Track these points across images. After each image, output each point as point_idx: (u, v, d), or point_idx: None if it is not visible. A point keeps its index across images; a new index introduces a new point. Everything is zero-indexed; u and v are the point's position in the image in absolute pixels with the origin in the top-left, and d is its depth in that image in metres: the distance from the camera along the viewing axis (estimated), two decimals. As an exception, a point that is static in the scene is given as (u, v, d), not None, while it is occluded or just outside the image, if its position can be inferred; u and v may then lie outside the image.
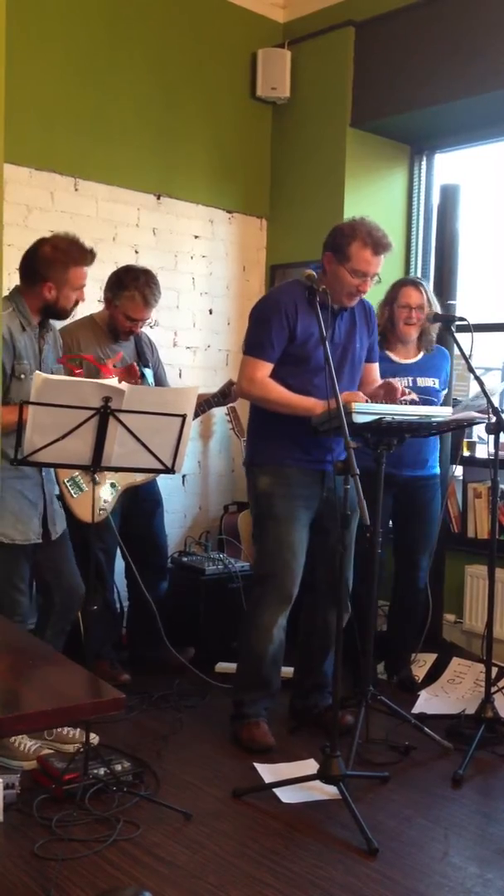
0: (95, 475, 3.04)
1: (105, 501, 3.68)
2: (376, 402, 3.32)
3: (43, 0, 4.17)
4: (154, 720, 3.65)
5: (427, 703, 3.90)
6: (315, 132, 4.93)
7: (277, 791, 3.05)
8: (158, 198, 4.70)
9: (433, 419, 3.33)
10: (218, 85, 4.88)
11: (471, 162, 4.91)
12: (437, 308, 3.95)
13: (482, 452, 4.46)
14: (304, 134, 4.98)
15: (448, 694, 3.99)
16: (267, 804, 2.99)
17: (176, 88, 4.70)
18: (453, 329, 3.69)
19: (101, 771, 2.98)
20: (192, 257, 4.87)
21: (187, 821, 2.86)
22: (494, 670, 3.63)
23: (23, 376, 3.11)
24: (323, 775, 2.92)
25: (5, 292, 3.10)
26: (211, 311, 4.99)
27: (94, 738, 3.19)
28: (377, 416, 3.13)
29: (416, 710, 3.78)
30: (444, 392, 4.11)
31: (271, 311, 3.34)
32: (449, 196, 4.38)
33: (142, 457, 3.00)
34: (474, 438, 4.48)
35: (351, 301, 3.36)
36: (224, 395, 4.26)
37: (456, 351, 3.83)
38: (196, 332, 4.93)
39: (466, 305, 4.52)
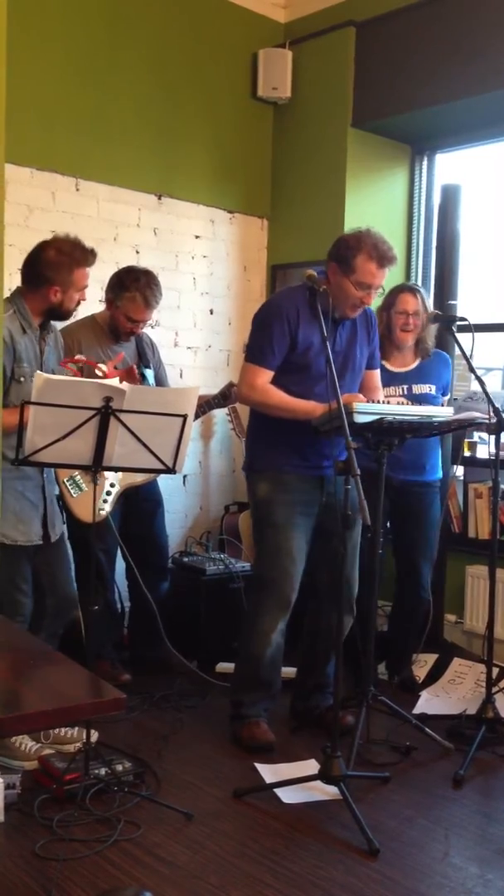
0: (96, 475, 3.04)
1: (105, 501, 3.68)
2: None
3: (43, 0, 4.17)
4: (155, 720, 3.65)
5: (428, 703, 3.90)
6: (316, 132, 4.93)
7: (278, 791, 3.05)
8: (159, 198, 4.70)
9: (434, 419, 3.32)
10: (219, 85, 4.88)
11: (472, 162, 4.91)
12: (434, 311, 3.94)
13: (483, 453, 4.46)
14: (305, 134, 4.98)
15: (449, 694, 3.99)
16: (268, 804, 2.99)
17: (177, 88, 4.70)
18: (454, 329, 3.69)
19: (102, 771, 2.98)
20: (192, 257, 4.87)
21: (188, 821, 2.86)
22: (495, 670, 3.64)
23: (22, 379, 3.11)
24: (324, 775, 2.92)
25: (6, 293, 3.10)
26: (212, 312, 4.99)
27: (95, 738, 3.19)
28: (378, 416, 3.13)
29: (417, 710, 3.78)
30: (446, 398, 4.09)
31: (273, 317, 3.33)
32: (450, 196, 4.38)
33: (143, 457, 3.00)
34: (475, 439, 4.48)
35: (354, 312, 3.36)
36: (225, 397, 4.26)
37: (457, 351, 3.82)
38: (197, 332, 4.93)
39: (467, 305, 4.52)
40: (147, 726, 3.59)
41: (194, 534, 4.86)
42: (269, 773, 3.20)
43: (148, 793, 3.00)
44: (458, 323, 3.66)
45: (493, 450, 3.47)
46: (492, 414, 3.39)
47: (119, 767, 3.03)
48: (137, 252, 4.61)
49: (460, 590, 4.44)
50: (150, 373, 3.99)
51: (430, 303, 3.98)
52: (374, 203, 4.86)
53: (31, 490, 3.22)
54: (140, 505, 4.05)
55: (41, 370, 3.16)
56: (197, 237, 4.89)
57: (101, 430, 2.90)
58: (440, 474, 4.11)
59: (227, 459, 5.10)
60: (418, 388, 3.97)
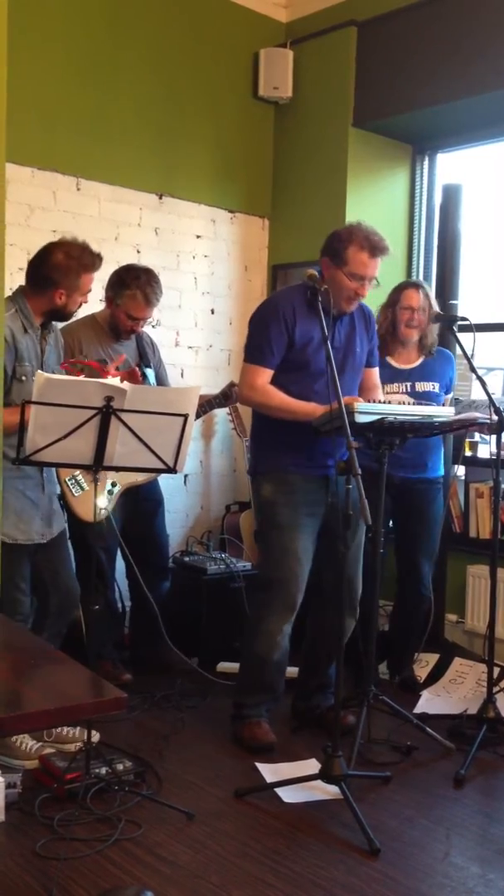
0: (97, 475, 3.04)
1: (106, 501, 3.68)
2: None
3: (44, 0, 4.17)
4: (156, 720, 3.65)
5: (429, 703, 3.90)
6: (317, 132, 4.93)
7: (279, 791, 3.05)
8: (160, 197, 4.70)
9: (435, 419, 3.32)
10: (220, 85, 4.88)
11: (473, 162, 4.91)
12: (437, 310, 3.94)
13: (484, 452, 4.46)
14: (307, 134, 4.98)
15: (450, 694, 3.99)
16: (269, 804, 2.99)
17: (178, 88, 4.70)
18: (455, 329, 3.69)
19: (103, 770, 2.98)
20: (194, 257, 4.87)
21: (189, 820, 2.86)
22: (496, 670, 3.63)
23: (24, 378, 3.12)
24: (325, 775, 2.92)
25: (7, 292, 3.10)
26: (213, 311, 4.99)
27: (96, 738, 3.19)
28: (379, 416, 3.12)
29: (418, 710, 3.78)
30: (449, 396, 4.09)
31: (269, 317, 3.33)
32: (451, 196, 4.38)
33: (143, 456, 3.00)
34: (476, 438, 4.48)
35: (350, 306, 3.36)
36: (226, 397, 4.26)
37: (458, 351, 3.82)
38: (198, 331, 4.93)
39: (468, 305, 4.52)
40: (148, 726, 3.59)
41: (195, 533, 4.86)
42: (270, 772, 3.20)
43: (149, 792, 3.00)
44: (459, 323, 3.66)
45: (494, 449, 3.47)
46: (492, 414, 3.39)
47: (120, 767, 3.03)
48: (138, 252, 4.61)
49: (461, 589, 4.44)
50: (150, 372, 3.99)
51: (434, 299, 3.97)
52: (375, 203, 4.86)
53: (32, 489, 3.22)
54: (140, 504, 4.05)
55: (42, 369, 3.16)
56: (198, 237, 4.89)
57: (102, 430, 2.90)
58: (442, 471, 4.10)
59: (228, 459, 5.10)
60: (421, 386, 3.97)
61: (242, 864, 2.64)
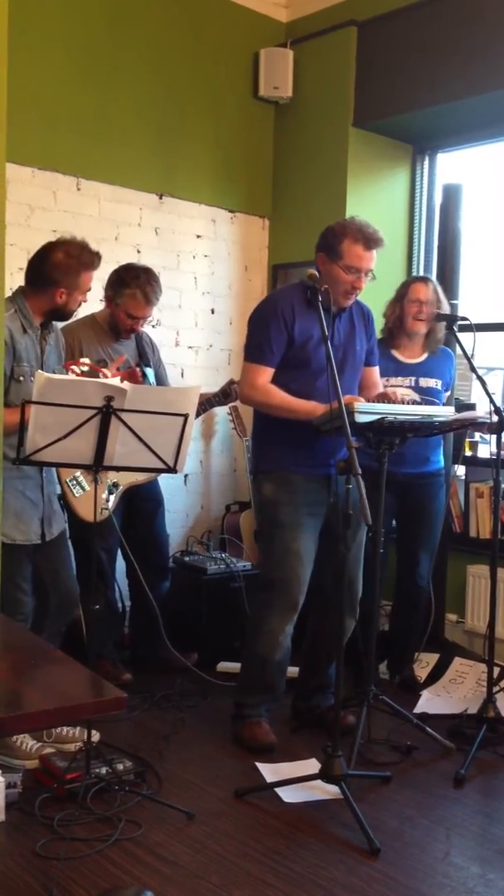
0: (97, 474, 3.04)
1: (107, 501, 3.68)
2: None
3: (45, 0, 4.17)
4: (156, 720, 3.65)
5: (429, 702, 3.90)
6: (317, 132, 4.93)
7: (279, 791, 3.05)
8: (161, 197, 4.70)
9: (435, 419, 3.32)
10: (220, 84, 4.88)
11: (473, 161, 4.91)
12: (447, 306, 3.96)
13: (484, 452, 4.46)
14: (307, 133, 4.98)
15: (450, 694, 3.99)
16: (269, 804, 2.99)
17: (178, 88, 4.70)
18: (455, 329, 3.69)
19: (103, 770, 2.98)
20: (194, 257, 4.87)
21: (189, 820, 2.86)
22: (496, 670, 3.64)
23: (21, 378, 3.11)
24: (325, 775, 2.92)
25: (8, 291, 3.10)
26: (213, 311, 4.99)
27: (96, 737, 3.19)
28: (379, 416, 3.12)
29: (418, 709, 3.78)
30: (448, 393, 4.11)
31: (269, 315, 3.33)
32: (451, 195, 4.38)
33: (144, 456, 3.00)
34: (476, 438, 4.48)
35: (347, 300, 3.36)
36: (225, 395, 4.26)
37: (458, 350, 3.83)
38: (198, 331, 4.93)
39: (469, 305, 4.52)
40: (148, 726, 3.59)
41: (195, 533, 4.86)
42: (270, 772, 3.20)
43: (149, 792, 3.00)
44: (460, 322, 3.66)
45: (494, 449, 3.47)
46: (492, 413, 3.40)
47: (120, 767, 3.03)
48: (139, 251, 4.61)
49: (461, 589, 4.44)
50: (150, 372, 3.99)
51: (443, 294, 3.98)
52: (375, 202, 4.86)
53: (32, 489, 3.22)
54: (140, 504, 4.05)
55: (42, 370, 3.16)
56: (198, 237, 4.89)
57: (103, 430, 2.90)
58: (442, 464, 4.11)
59: (229, 459, 5.10)
60: (425, 382, 3.99)
61: (242, 863, 2.64)
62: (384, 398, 3.38)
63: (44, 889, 2.46)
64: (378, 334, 3.74)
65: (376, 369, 3.62)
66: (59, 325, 3.46)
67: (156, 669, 4.09)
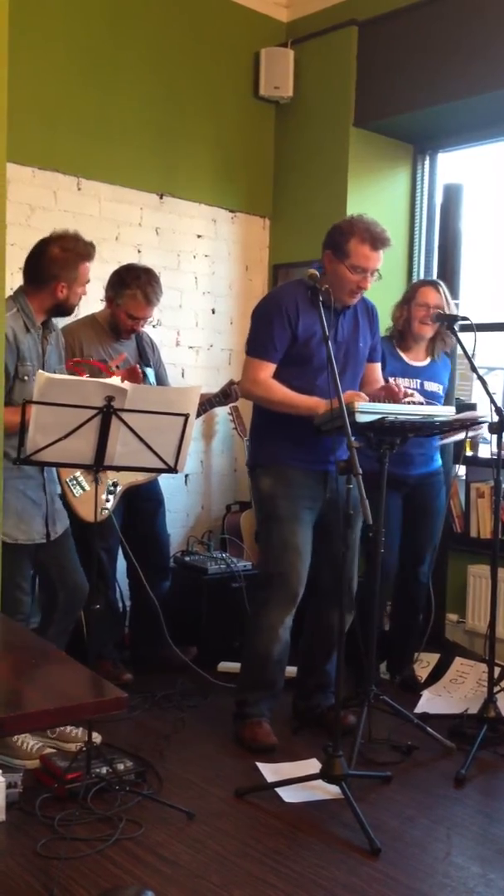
0: (98, 474, 3.04)
1: (107, 500, 3.68)
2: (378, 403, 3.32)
3: (45, 0, 4.17)
4: (156, 719, 3.65)
5: (429, 702, 3.90)
6: (318, 131, 4.92)
7: (280, 791, 3.05)
8: (161, 197, 4.70)
9: (436, 419, 3.32)
10: (221, 84, 4.87)
11: (473, 161, 4.91)
12: (454, 310, 3.96)
13: (485, 452, 4.46)
14: (307, 133, 4.98)
15: (450, 694, 3.99)
16: (269, 804, 2.99)
17: (179, 88, 4.70)
18: (456, 328, 3.69)
19: (104, 770, 2.98)
20: (194, 257, 4.87)
21: (190, 820, 2.86)
22: (497, 670, 3.63)
23: (26, 378, 3.12)
24: (325, 775, 2.92)
25: (8, 291, 3.10)
26: (214, 311, 4.99)
27: (97, 737, 3.19)
28: (380, 416, 3.12)
29: (419, 709, 3.78)
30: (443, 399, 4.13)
31: (272, 312, 3.33)
32: (452, 195, 4.38)
33: (144, 456, 3.00)
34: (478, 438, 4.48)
35: (352, 299, 3.36)
36: (225, 395, 4.26)
37: (459, 350, 3.83)
38: (199, 331, 4.93)
39: (469, 305, 4.52)
40: (149, 725, 3.59)
41: (196, 533, 4.86)
42: (270, 772, 3.20)
43: (149, 792, 3.00)
44: (461, 322, 3.67)
45: (495, 449, 3.47)
46: (493, 413, 3.40)
47: (121, 766, 3.03)
48: (139, 251, 4.61)
49: (462, 589, 4.44)
50: (150, 372, 3.99)
51: (451, 299, 3.99)
52: (376, 202, 4.85)
53: (33, 489, 3.22)
54: (141, 504, 4.06)
55: (43, 369, 3.17)
56: (199, 236, 4.89)
57: (103, 430, 2.90)
58: (440, 462, 4.13)
59: (229, 459, 5.10)
60: (429, 386, 4.01)
61: (243, 863, 2.64)
62: (388, 391, 3.38)
63: (44, 889, 2.46)
64: (385, 333, 3.74)
65: (378, 366, 3.63)
66: (60, 324, 3.47)
67: (156, 669, 4.09)
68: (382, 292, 3.98)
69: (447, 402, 4.11)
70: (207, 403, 4.22)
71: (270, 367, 3.34)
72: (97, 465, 2.97)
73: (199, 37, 4.75)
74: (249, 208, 5.10)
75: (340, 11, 4.81)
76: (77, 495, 3.53)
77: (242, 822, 2.88)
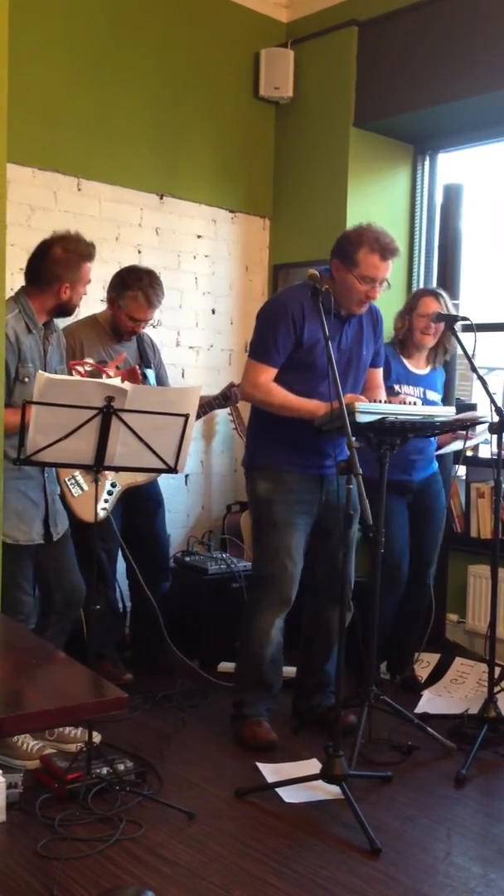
0: (98, 475, 3.04)
1: (105, 501, 3.68)
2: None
3: (46, 0, 4.17)
4: (157, 720, 3.65)
5: (430, 702, 3.90)
6: (318, 132, 4.92)
7: (280, 791, 3.05)
8: (161, 197, 4.70)
9: (436, 419, 3.33)
10: (221, 84, 4.87)
11: (474, 161, 4.91)
12: (455, 312, 3.97)
13: (485, 452, 4.46)
14: (308, 133, 4.98)
15: (451, 694, 3.99)
16: (270, 804, 2.99)
17: (179, 88, 4.70)
18: (456, 329, 3.69)
19: (104, 770, 2.98)
20: (194, 257, 4.87)
21: (190, 820, 2.86)
22: (497, 670, 3.64)
23: (27, 379, 3.12)
24: (326, 775, 2.92)
25: (9, 292, 3.10)
26: (214, 311, 4.99)
27: (97, 738, 3.19)
28: (380, 416, 3.12)
29: (419, 709, 3.78)
30: None
31: (278, 315, 3.33)
32: (452, 195, 4.38)
33: (144, 456, 3.00)
34: (481, 440, 4.48)
35: (360, 308, 3.36)
36: (225, 398, 4.26)
37: (459, 351, 3.83)
38: (199, 331, 4.93)
39: (469, 305, 4.52)
40: (149, 726, 3.59)
41: (196, 533, 4.86)
42: (270, 772, 3.20)
43: (150, 792, 3.00)
44: (461, 322, 3.67)
45: (495, 449, 3.47)
46: (493, 413, 3.40)
47: (121, 767, 3.03)
48: (139, 252, 4.61)
49: (462, 589, 4.44)
50: (151, 373, 3.99)
51: (452, 308, 4.00)
52: (376, 202, 4.85)
53: (34, 489, 3.22)
54: (141, 504, 4.06)
55: (45, 370, 3.17)
56: (199, 237, 4.89)
57: (103, 430, 2.90)
58: (437, 463, 4.14)
59: (229, 459, 5.10)
60: (431, 395, 4.04)
61: (243, 863, 2.64)
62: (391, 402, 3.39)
63: (45, 889, 2.46)
64: (386, 340, 3.75)
65: (380, 371, 3.63)
66: (61, 325, 3.47)
67: (157, 669, 4.10)
68: (384, 293, 3.98)
69: (446, 404, 4.12)
70: (207, 406, 4.22)
71: (272, 372, 3.33)
72: (97, 466, 2.97)
73: (199, 37, 4.75)
74: (249, 208, 5.10)
75: (340, 12, 4.81)
76: (76, 495, 3.53)
77: (243, 823, 2.88)
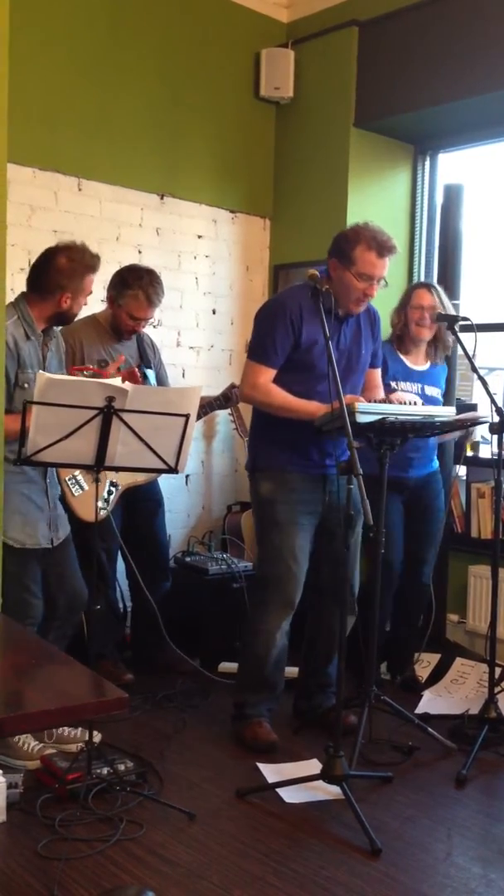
0: (98, 475, 3.04)
1: (105, 501, 3.68)
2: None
3: (47, 0, 4.17)
4: (157, 720, 3.65)
5: (430, 703, 3.90)
6: (318, 132, 4.92)
7: (281, 791, 3.05)
8: (162, 198, 4.70)
9: (436, 419, 3.33)
10: (221, 85, 4.87)
11: (474, 161, 4.91)
12: (453, 311, 3.96)
13: (486, 452, 4.46)
14: (308, 134, 4.98)
15: (451, 694, 3.99)
16: (270, 804, 2.99)
17: (179, 88, 4.70)
18: (457, 329, 3.69)
19: (105, 770, 2.98)
20: (195, 257, 4.87)
21: (190, 820, 2.86)
22: (498, 670, 3.64)
23: (26, 385, 3.11)
24: (326, 775, 2.92)
25: (9, 292, 3.10)
26: (214, 311, 4.99)
27: (98, 738, 3.19)
28: (380, 416, 3.12)
29: (420, 710, 3.78)
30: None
31: (276, 316, 3.33)
32: (452, 196, 4.38)
33: (145, 457, 3.00)
34: (478, 438, 4.48)
35: (359, 307, 3.36)
36: (226, 399, 4.26)
37: (459, 351, 3.83)
38: (199, 332, 4.93)
39: (470, 305, 4.52)
40: (150, 726, 3.59)
41: (196, 533, 4.86)
42: (271, 772, 3.20)
43: (150, 792, 3.00)
44: (461, 322, 3.67)
45: (495, 449, 3.47)
46: (493, 413, 3.40)
47: (121, 767, 3.03)
48: (140, 252, 4.61)
49: (463, 589, 4.44)
50: (151, 373, 3.99)
51: (447, 301, 4.00)
52: (376, 202, 4.85)
53: (37, 494, 3.22)
54: (140, 505, 4.06)
55: (44, 374, 3.17)
56: (199, 237, 4.89)
57: (104, 430, 2.90)
58: (437, 463, 4.14)
59: (230, 459, 5.10)
60: (430, 390, 4.03)
61: (244, 864, 2.64)
62: (387, 401, 3.40)
63: (45, 889, 2.46)
64: (385, 337, 3.75)
65: (378, 371, 3.63)
66: (60, 328, 3.47)
67: (157, 670, 4.09)
68: (382, 292, 3.97)
69: (447, 403, 4.12)
70: (208, 406, 4.22)
71: (271, 373, 3.33)
72: (97, 466, 2.97)
73: (199, 37, 4.75)
74: (250, 209, 5.10)
75: (341, 12, 4.81)
76: (76, 495, 3.53)
77: (243, 823, 2.88)
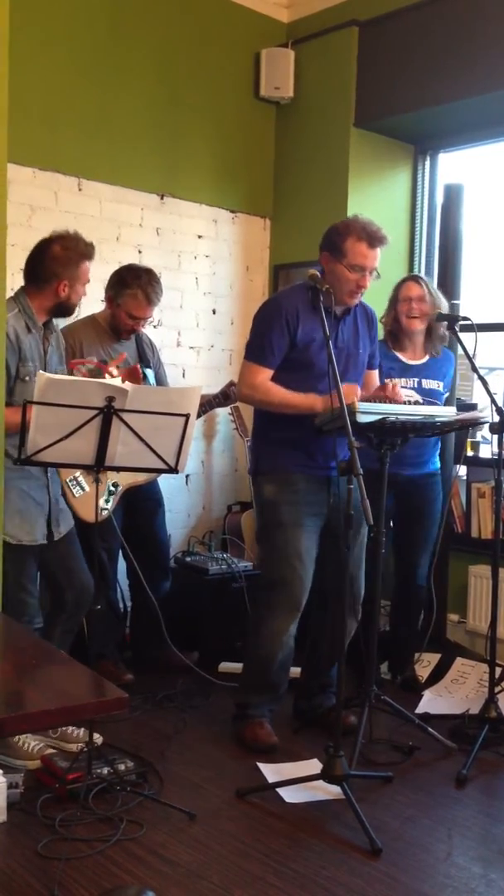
0: (98, 475, 3.04)
1: (107, 501, 3.68)
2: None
3: (47, 0, 4.17)
4: (158, 720, 3.65)
5: (430, 703, 3.90)
6: (319, 132, 4.92)
7: (281, 791, 3.05)
8: (162, 198, 4.70)
9: (437, 419, 3.32)
10: (221, 85, 4.88)
11: (474, 161, 4.91)
12: (444, 304, 3.96)
13: (486, 452, 4.46)
14: (308, 133, 4.98)
15: (452, 694, 3.99)
16: (270, 804, 2.99)
17: (179, 88, 4.70)
18: (457, 329, 3.69)
19: (105, 770, 2.98)
20: (195, 257, 4.87)
21: (191, 820, 2.86)
22: (498, 670, 3.64)
23: (27, 378, 3.12)
24: (326, 775, 2.92)
25: (9, 292, 3.10)
26: (214, 311, 4.99)
27: (98, 738, 3.19)
28: (381, 416, 3.12)
29: (420, 710, 3.78)
30: (447, 394, 4.11)
31: (272, 316, 3.33)
32: (452, 195, 4.38)
33: (145, 456, 3.00)
34: (478, 438, 4.48)
35: (353, 299, 3.36)
36: (225, 397, 4.26)
37: (459, 351, 3.83)
38: (199, 332, 4.93)
39: (470, 305, 4.52)
40: (150, 726, 3.59)
41: (197, 533, 4.86)
42: (271, 772, 3.20)
43: (151, 792, 3.00)
44: (461, 322, 3.67)
45: (496, 449, 3.47)
46: (494, 413, 3.40)
47: (122, 767, 3.03)
48: (140, 252, 4.61)
49: (463, 589, 4.44)
50: (150, 373, 3.99)
51: (436, 291, 3.99)
52: (376, 202, 4.85)
53: (36, 490, 3.22)
54: (140, 504, 4.06)
55: (45, 370, 3.17)
56: (199, 237, 4.89)
57: (104, 430, 2.90)
58: (438, 465, 4.13)
59: (230, 459, 5.10)
60: (427, 383, 4.00)
61: (244, 864, 2.64)
62: (383, 391, 3.39)
63: (45, 889, 2.46)
64: (379, 337, 3.74)
65: (376, 373, 3.63)
66: (60, 325, 3.47)
67: (157, 670, 4.09)
68: (383, 293, 3.99)
69: (448, 402, 4.11)
70: (207, 405, 4.22)
71: (268, 372, 3.33)
72: (98, 466, 2.97)
73: (199, 37, 4.75)
74: (250, 209, 5.10)
75: (341, 12, 4.81)
76: (77, 496, 3.53)
77: (243, 823, 2.88)
